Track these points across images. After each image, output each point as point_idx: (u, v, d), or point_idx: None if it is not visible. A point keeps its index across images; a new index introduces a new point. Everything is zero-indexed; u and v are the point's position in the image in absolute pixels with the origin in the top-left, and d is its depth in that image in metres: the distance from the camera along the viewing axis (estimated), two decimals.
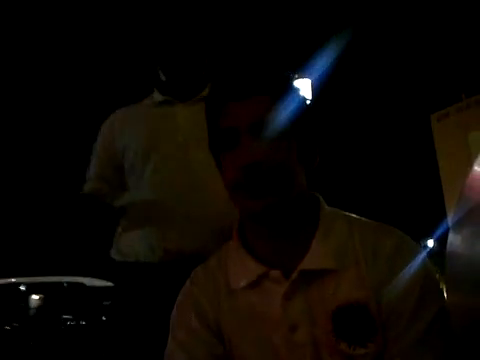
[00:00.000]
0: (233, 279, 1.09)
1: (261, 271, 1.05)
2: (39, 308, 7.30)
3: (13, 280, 7.91)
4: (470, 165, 0.94)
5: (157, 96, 1.82)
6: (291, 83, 1.06)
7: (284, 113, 0.99)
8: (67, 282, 7.93)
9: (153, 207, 1.65)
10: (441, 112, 4.33)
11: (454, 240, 1.06)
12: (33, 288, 7.58)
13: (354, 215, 1.12)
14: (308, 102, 1.08)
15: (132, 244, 1.67)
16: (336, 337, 0.99)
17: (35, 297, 7.42)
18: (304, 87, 6.53)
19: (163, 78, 1.80)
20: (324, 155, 1.11)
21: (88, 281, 8.09)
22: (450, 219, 1.18)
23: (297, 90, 1.06)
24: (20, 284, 7.74)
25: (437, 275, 1.08)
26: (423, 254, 1.06)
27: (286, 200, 1.01)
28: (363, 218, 1.12)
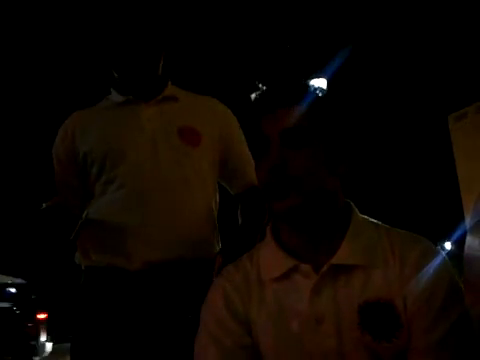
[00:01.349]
0: (264, 271, 1.13)
1: (292, 264, 1.08)
2: None
3: None
4: None
5: (116, 97, 1.68)
6: (319, 94, 1.12)
7: (311, 122, 1.08)
8: None
9: (123, 215, 1.54)
10: (459, 112, 4.28)
11: (472, 243, 1.06)
12: None
13: (384, 225, 1.17)
14: (335, 110, 1.13)
15: (101, 251, 1.58)
16: (362, 330, 1.03)
17: None
18: (321, 86, 6.49)
19: (118, 78, 1.67)
20: (358, 163, 1.15)
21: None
22: (468, 221, 1.17)
23: (323, 99, 1.12)
24: None
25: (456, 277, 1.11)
26: (447, 260, 1.09)
27: (310, 203, 1.07)
28: (393, 228, 1.17)
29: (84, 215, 1.62)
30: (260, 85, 1.15)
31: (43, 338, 8.06)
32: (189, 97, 1.72)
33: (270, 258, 1.13)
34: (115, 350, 1.48)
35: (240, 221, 1.70)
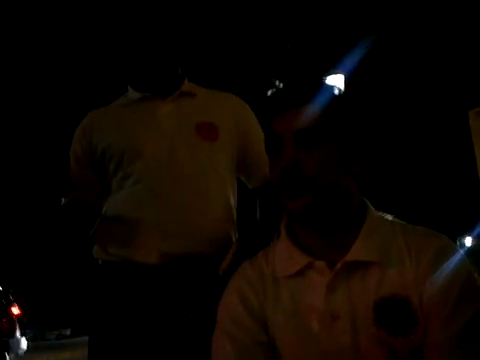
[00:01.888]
0: (279, 268, 1.13)
1: (306, 261, 1.09)
2: None
3: None
4: None
5: (133, 94, 1.69)
6: (333, 93, 1.12)
7: (325, 121, 1.06)
8: None
9: (139, 210, 1.55)
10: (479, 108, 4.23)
11: None
12: None
13: (400, 221, 1.17)
14: (349, 109, 1.12)
15: (118, 245, 1.58)
16: (377, 326, 1.03)
17: None
18: (337, 83, 6.48)
19: (136, 75, 1.68)
20: (371, 160, 1.14)
21: None
22: None
23: (339, 99, 1.12)
24: None
25: (475, 274, 1.09)
26: (464, 256, 1.08)
27: (324, 202, 1.08)
28: (409, 224, 1.17)
29: (102, 211, 1.64)
30: (276, 82, 1.15)
31: (17, 334, 7.69)
32: (207, 93, 1.72)
33: (285, 255, 1.13)
34: (133, 343, 1.50)
35: (258, 215, 1.71)
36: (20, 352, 7.82)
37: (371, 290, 1.04)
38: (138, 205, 1.56)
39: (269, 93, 1.06)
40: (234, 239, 1.63)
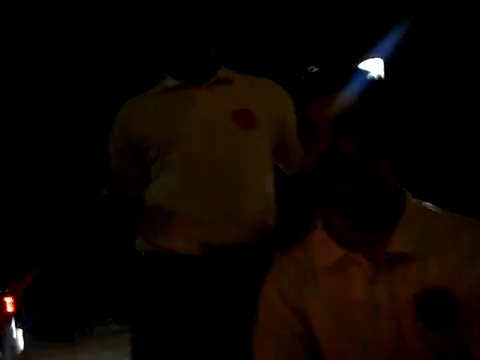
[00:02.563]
0: (317, 261, 1.13)
1: (343, 253, 1.08)
2: None
3: None
4: None
5: (170, 81, 1.68)
6: (370, 77, 1.09)
7: (363, 107, 1.03)
8: None
9: (179, 200, 1.55)
10: None
11: None
12: None
13: (439, 208, 1.14)
14: (387, 94, 1.10)
15: (160, 236, 1.58)
16: (419, 320, 1.01)
17: None
18: (376, 68, 6.36)
19: (171, 62, 1.67)
20: (408, 146, 1.11)
21: None
22: None
23: (376, 84, 1.09)
24: None
25: None
26: None
27: (363, 189, 1.04)
28: (447, 212, 1.14)
29: (143, 201, 1.65)
30: (311, 67, 1.13)
31: (12, 327, 7.10)
32: (243, 79, 1.70)
33: (321, 247, 1.13)
34: (176, 333, 1.51)
35: (296, 202, 1.69)
36: (16, 346, 7.09)
37: (412, 282, 1.03)
38: (177, 195, 1.56)
39: (304, 78, 1.05)
40: (274, 225, 1.62)
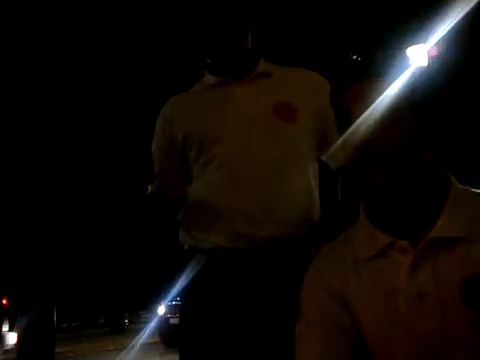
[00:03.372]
0: (360, 250, 1.11)
1: (387, 241, 1.06)
2: None
3: None
4: None
5: (209, 79, 1.69)
6: (406, 63, 1.07)
7: (397, 94, 1.02)
8: None
9: (222, 196, 1.56)
10: None
11: None
12: None
13: None
14: (426, 79, 1.08)
15: (203, 231, 1.60)
16: (466, 305, 0.99)
17: None
18: (419, 55, 6.22)
19: (209, 59, 1.67)
20: (451, 131, 1.09)
21: None
22: None
23: (413, 69, 1.07)
24: None
25: None
26: None
27: (401, 177, 1.03)
28: None
29: (186, 197, 1.68)
30: (353, 56, 1.12)
31: (5, 327, 7.37)
32: (283, 71, 1.70)
33: (365, 236, 1.11)
34: (224, 326, 1.53)
35: (340, 195, 1.68)
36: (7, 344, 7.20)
37: (458, 267, 1.00)
38: (220, 191, 1.58)
39: (341, 68, 1.04)
40: (317, 218, 1.61)
